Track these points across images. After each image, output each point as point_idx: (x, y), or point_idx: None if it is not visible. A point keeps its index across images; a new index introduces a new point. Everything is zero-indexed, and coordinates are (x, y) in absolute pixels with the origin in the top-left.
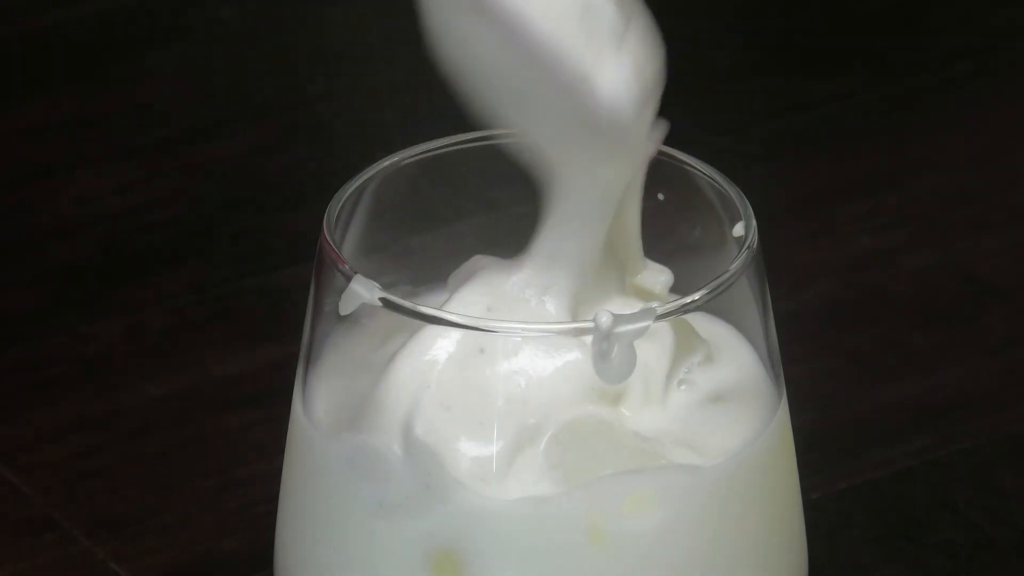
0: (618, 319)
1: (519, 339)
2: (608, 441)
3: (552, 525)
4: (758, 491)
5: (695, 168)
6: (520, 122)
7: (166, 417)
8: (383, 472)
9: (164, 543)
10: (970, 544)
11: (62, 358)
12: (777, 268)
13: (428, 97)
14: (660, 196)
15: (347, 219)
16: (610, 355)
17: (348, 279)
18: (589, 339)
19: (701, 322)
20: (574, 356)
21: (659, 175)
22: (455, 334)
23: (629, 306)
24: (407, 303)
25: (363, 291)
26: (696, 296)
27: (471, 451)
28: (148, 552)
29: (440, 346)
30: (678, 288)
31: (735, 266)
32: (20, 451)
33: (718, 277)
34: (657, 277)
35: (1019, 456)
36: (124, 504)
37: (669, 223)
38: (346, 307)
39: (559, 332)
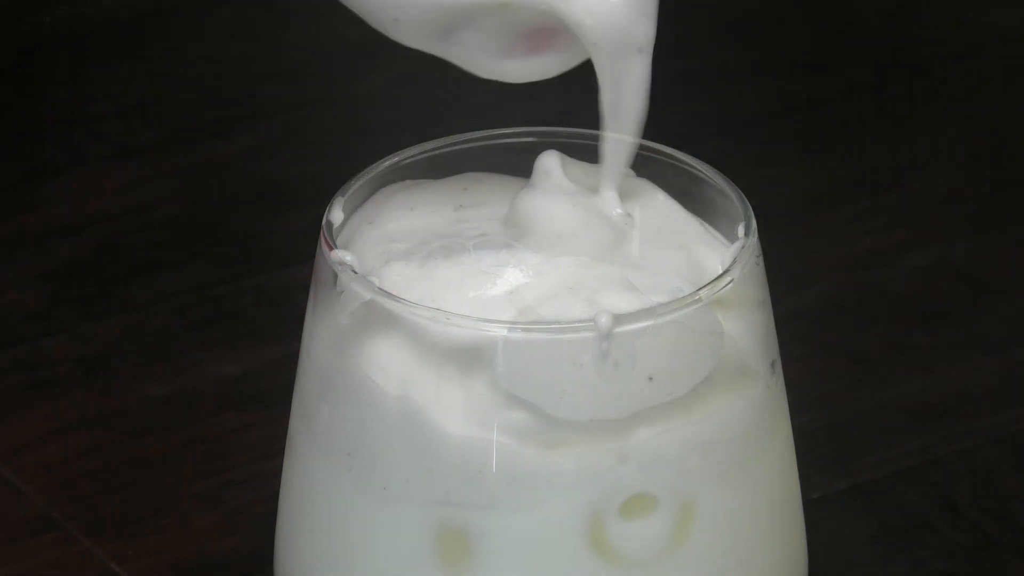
0: (618, 319)
1: (519, 337)
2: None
3: (554, 511)
4: (758, 491)
5: (695, 168)
6: None
7: (166, 417)
8: (383, 461)
9: (164, 543)
10: (970, 544)
11: (62, 358)
12: (777, 268)
13: (428, 97)
14: (660, 197)
15: (347, 219)
16: (610, 355)
17: (348, 279)
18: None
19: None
20: (570, 356)
21: (660, 175)
22: (450, 328)
23: (629, 303)
24: (406, 301)
25: (363, 291)
26: (696, 296)
27: (471, 433)
28: (148, 552)
29: (434, 338)
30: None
31: (735, 266)
32: (20, 451)
33: (719, 277)
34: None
35: (1019, 456)
36: (124, 504)
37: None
38: (346, 307)
39: (558, 331)
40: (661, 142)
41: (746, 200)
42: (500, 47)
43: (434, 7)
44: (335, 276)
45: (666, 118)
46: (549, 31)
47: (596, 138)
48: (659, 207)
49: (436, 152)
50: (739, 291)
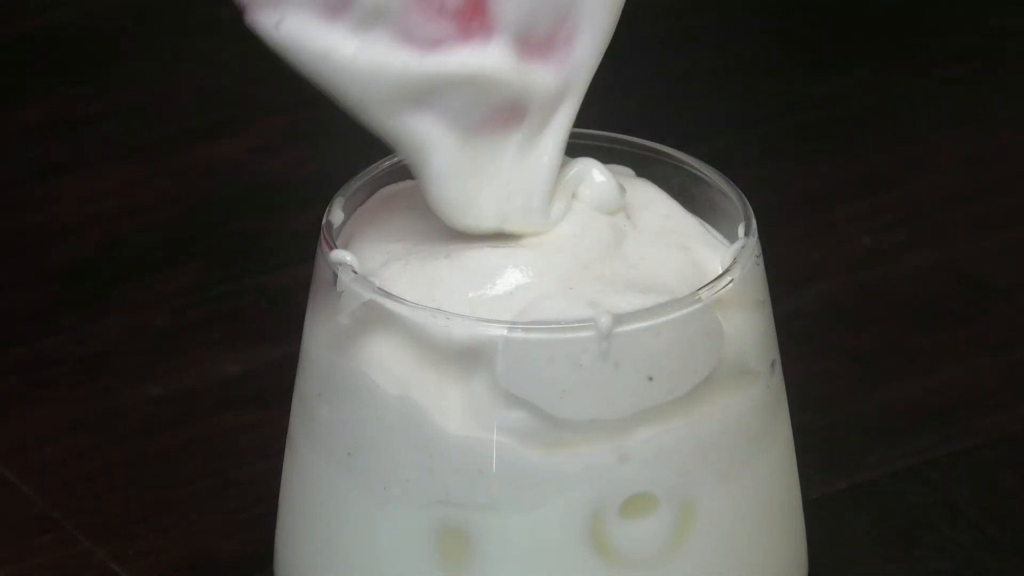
0: (618, 319)
1: (519, 337)
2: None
3: (554, 511)
4: (758, 491)
5: (695, 168)
6: None
7: (166, 417)
8: (383, 461)
9: (164, 543)
10: (970, 544)
11: (62, 358)
12: (777, 268)
13: None
14: (660, 197)
15: (347, 219)
16: (610, 355)
17: (348, 279)
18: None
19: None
20: (567, 356)
21: (660, 175)
22: (450, 328)
23: (629, 303)
24: (406, 301)
25: (363, 291)
26: (696, 296)
27: (471, 433)
28: (148, 552)
29: (434, 338)
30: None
31: (735, 266)
32: (20, 451)
33: (719, 277)
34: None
35: (1019, 456)
36: (124, 504)
37: None
38: (346, 307)
39: (558, 331)
40: (661, 142)
41: (746, 200)
42: (470, 122)
43: (399, 81)
44: (335, 276)
45: (666, 118)
46: (521, 109)
47: (594, 138)
48: (659, 207)
49: None
50: (739, 291)
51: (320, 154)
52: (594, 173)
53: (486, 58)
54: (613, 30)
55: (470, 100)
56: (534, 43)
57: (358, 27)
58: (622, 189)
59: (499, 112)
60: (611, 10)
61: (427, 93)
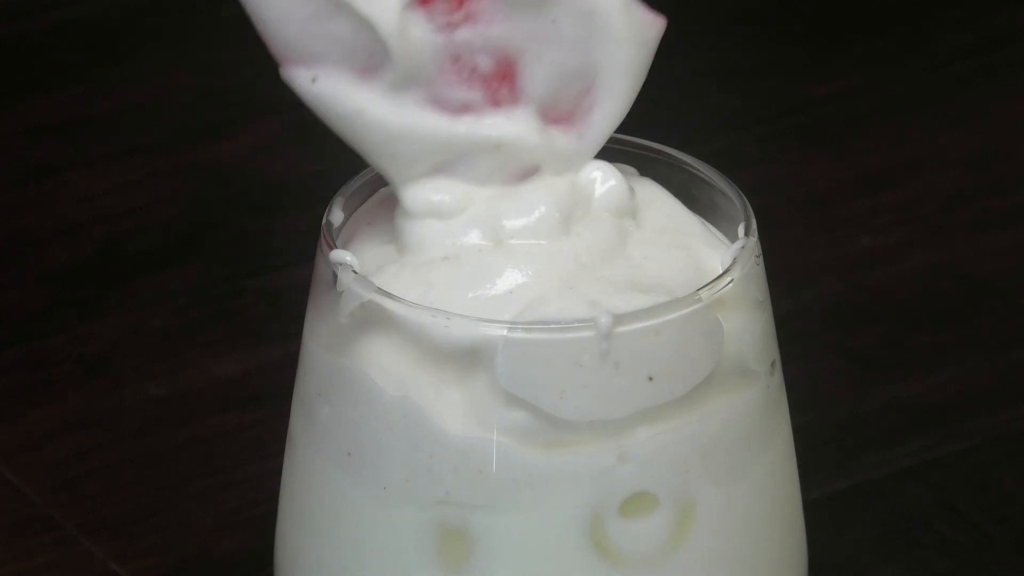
0: (618, 319)
1: (519, 337)
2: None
3: (554, 511)
4: (758, 491)
5: (695, 168)
6: None
7: (166, 417)
8: (383, 461)
9: (164, 543)
10: (970, 544)
11: (62, 358)
12: (777, 268)
13: None
14: (663, 196)
15: (347, 219)
16: (610, 355)
17: (348, 279)
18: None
19: None
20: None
21: (660, 175)
22: (450, 328)
23: (630, 303)
24: (406, 301)
25: (363, 291)
26: (696, 296)
27: (471, 433)
28: (148, 552)
29: (434, 338)
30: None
31: (735, 266)
32: (20, 451)
33: (719, 277)
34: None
35: (1019, 456)
36: (124, 504)
37: None
38: (346, 307)
39: (558, 331)
40: (661, 142)
41: (746, 200)
42: (496, 182)
43: (429, 143)
44: (335, 276)
45: (666, 118)
46: (537, 170)
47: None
48: (661, 206)
49: None
50: (739, 291)
51: (320, 154)
52: (606, 176)
53: (513, 125)
54: (633, 99)
55: (494, 165)
56: (558, 112)
57: (391, 89)
58: (632, 192)
59: (518, 174)
60: (633, 82)
61: (455, 155)
